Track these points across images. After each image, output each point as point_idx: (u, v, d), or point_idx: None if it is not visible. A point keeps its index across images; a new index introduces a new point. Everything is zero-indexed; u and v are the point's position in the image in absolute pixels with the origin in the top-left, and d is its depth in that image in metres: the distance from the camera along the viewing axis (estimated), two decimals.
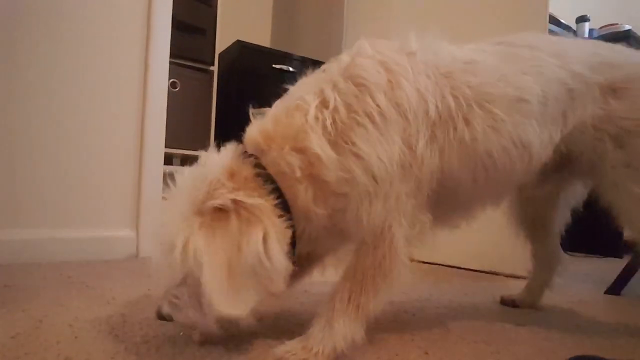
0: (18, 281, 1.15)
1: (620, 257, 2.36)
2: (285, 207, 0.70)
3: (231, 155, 0.73)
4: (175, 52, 1.90)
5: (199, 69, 2.25)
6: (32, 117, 1.43)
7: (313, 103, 0.70)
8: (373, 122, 0.69)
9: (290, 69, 2.59)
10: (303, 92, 0.74)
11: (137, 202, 1.63)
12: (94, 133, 1.54)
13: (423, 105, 0.72)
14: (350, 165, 0.68)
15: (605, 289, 1.41)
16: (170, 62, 1.75)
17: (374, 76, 0.70)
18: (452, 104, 0.74)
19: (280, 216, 0.68)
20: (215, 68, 2.29)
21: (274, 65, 2.54)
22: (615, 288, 1.41)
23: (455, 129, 0.74)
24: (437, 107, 0.73)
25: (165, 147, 1.72)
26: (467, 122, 0.75)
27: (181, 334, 0.81)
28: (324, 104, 0.71)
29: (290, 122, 0.71)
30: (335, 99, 0.70)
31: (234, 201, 0.66)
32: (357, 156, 0.68)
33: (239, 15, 2.98)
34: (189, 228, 0.64)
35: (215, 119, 2.28)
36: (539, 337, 0.91)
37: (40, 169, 1.45)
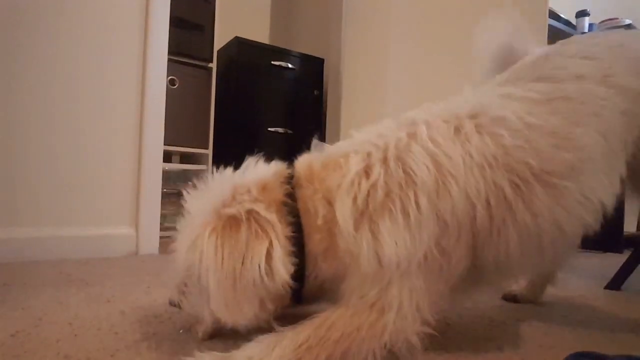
0: (17, 279, 1.15)
1: (621, 252, 2.36)
2: (299, 243, 0.70)
3: (273, 172, 0.76)
4: (174, 49, 1.90)
5: (197, 66, 2.24)
6: (31, 115, 1.43)
7: (355, 167, 0.69)
8: (407, 221, 0.66)
9: (289, 65, 2.59)
10: (356, 146, 0.73)
11: (136, 200, 1.63)
12: (92, 131, 1.54)
13: (470, 213, 0.68)
14: (363, 244, 0.66)
15: (605, 284, 1.41)
16: (169, 59, 1.74)
17: (423, 172, 0.67)
18: (509, 191, 0.69)
19: (292, 252, 0.69)
20: (213, 65, 2.28)
21: (272, 62, 2.53)
22: (616, 283, 1.41)
23: (513, 214, 0.69)
24: (489, 206, 0.68)
25: (165, 144, 1.72)
26: (526, 203, 0.70)
27: (181, 331, 0.81)
28: (366, 172, 0.69)
29: (331, 174, 0.71)
30: (379, 175, 0.68)
31: (249, 211, 0.68)
32: (375, 239, 0.66)
33: (237, 11, 2.97)
34: (201, 229, 0.68)
35: (215, 115, 2.27)
36: (539, 333, 0.90)
37: (39, 168, 1.44)
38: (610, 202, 0.76)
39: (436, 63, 2.15)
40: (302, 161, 0.78)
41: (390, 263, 0.64)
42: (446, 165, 0.68)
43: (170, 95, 1.78)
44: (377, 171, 0.68)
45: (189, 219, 0.73)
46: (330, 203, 0.70)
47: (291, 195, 0.72)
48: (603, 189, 0.74)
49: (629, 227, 2.46)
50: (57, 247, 1.46)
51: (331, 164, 0.73)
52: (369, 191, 0.67)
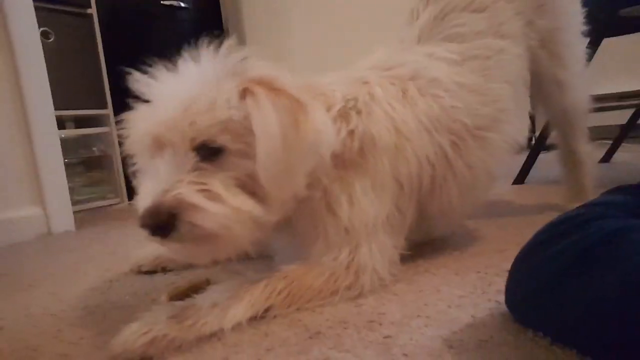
0: None
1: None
2: None
3: None
4: None
5: (73, 13, 1.92)
6: None
7: (339, 104, 0.70)
8: (373, 182, 0.69)
9: (182, 4, 2.34)
10: (333, 85, 0.73)
11: (36, 176, 1.44)
12: None
13: (419, 175, 0.73)
14: (339, 196, 0.67)
15: (512, 181, 1.58)
16: (37, 8, 1.47)
17: (385, 137, 0.70)
18: (450, 151, 0.75)
19: None
20: (93, 10, 1.98)
21: (162, 1, 2.27)
22: (520, 178, 1.58)
23: (453, 171, 0.76)
24: (433, 167, 0.74)
25: (55, 109, 1.50)
26: (463, 158, 0.77)
27: (127, 297, 0.75)
28: (346, 116, 0.69)
29: (317, 97, 0.68)
30: (356, 127, 0.69)
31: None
32: (350, 201, 0.67)
33: None
34: (233, 86, 0.59)
35: (107, 70, 2.01)
36: (469, 229, 1.00)
37: None
38: (522, 138, 0.88)
39: None
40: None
41: (360, 226, 0.67)
42: (403, 130, 0.72)
43: (47, 51, 1.53)
44: (355, 121, 0.69)
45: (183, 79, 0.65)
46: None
47: None
48: (517, 130, 0.86)
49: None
50: None
51: (312, 89, 0.69)
52: (346, 138, 0.68)
